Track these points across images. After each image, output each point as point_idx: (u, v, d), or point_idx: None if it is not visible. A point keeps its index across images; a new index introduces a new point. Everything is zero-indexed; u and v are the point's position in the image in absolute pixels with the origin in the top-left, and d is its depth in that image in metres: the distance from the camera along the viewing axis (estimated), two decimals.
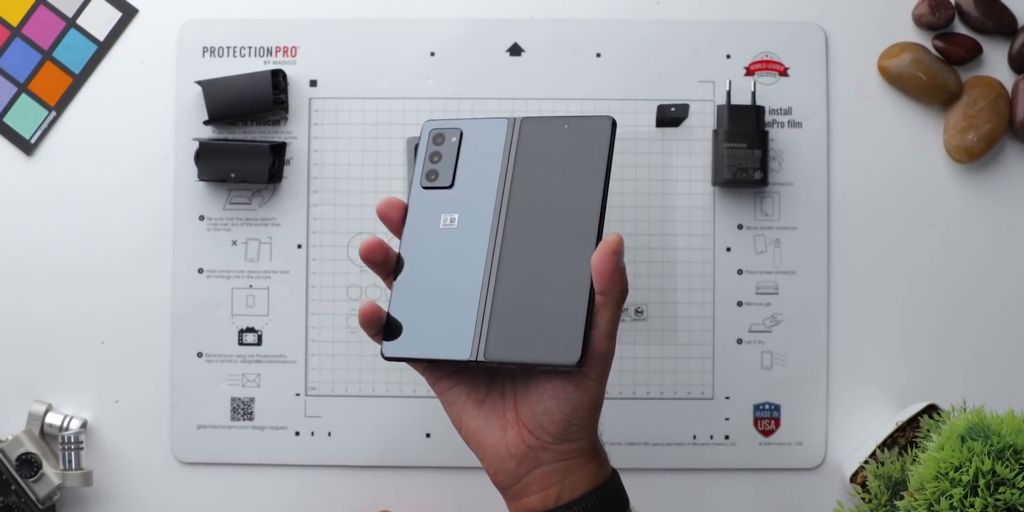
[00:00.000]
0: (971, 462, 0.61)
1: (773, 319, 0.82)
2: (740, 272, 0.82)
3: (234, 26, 0.82)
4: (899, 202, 0.82)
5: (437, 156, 0.65)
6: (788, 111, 0.82)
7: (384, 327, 0.63)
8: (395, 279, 0.63)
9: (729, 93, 0.81)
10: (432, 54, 0.82)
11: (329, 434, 0.81)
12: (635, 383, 0.81)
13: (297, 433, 0.82)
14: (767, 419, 0.82)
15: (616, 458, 0.67)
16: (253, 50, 0.82)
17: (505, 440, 0.63)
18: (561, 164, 0.62)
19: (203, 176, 0.80)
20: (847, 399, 0.82)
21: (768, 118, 0.82)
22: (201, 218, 0.82)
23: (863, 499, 0.73)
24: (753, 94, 0.81)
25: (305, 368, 0.82)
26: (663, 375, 0.81)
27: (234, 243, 0.82)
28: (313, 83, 0.82)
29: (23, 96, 0.83)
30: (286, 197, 0.82)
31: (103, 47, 0.83)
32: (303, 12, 0.83)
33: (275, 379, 0.82)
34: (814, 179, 0.82)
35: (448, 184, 0.64)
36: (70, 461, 0.79)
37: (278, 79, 0.81)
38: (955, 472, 0.61)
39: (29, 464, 0.79)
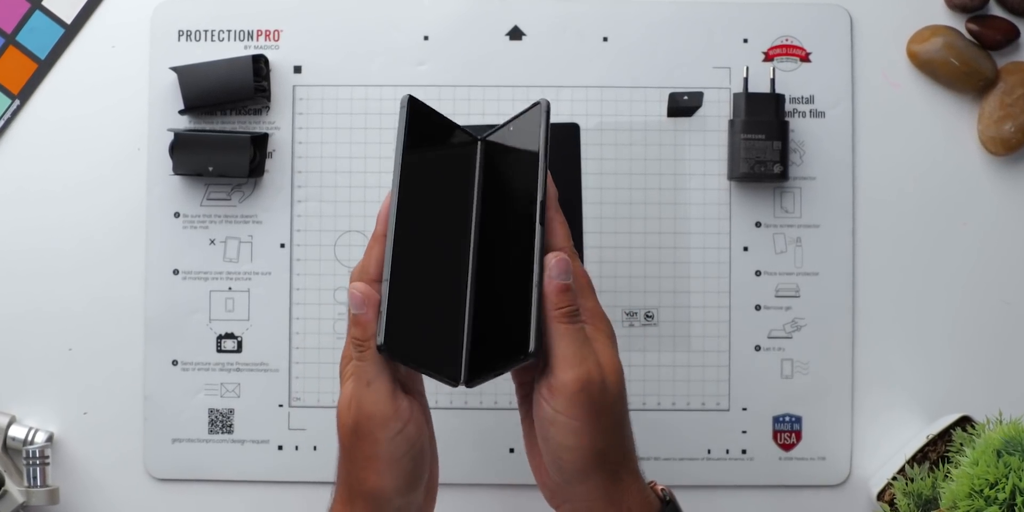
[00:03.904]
0: (1008, 478, 0.61)
1: (794, 324, 0.82)
2: (758, 273, 0.82)
3: (212, 8, 0.82)
4: (930, 198, 0.82)
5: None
6: (810, 100, 0.82)
7: (386, 320, 0.60)
8: (387, 279, 0.63)
9: (746, 80, 0.81)
10: (426, 38, 0.82)
11: (314, 448, 0.81)
12: (645, 393, 0.81)
13: (280, 447, 0.82)
14: (787, 432, 0.81)
15: None
16: (232, 34, 0.82)
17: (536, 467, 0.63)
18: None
19: (178, 170, 0.80)
20: (874, 411, 0.82)
21: (788, 107, 0.82)
22: (176, 215, 0.82)
23: None
24: (772, 81, 0.81)
25: (289, 377, 0.82)
26: (675, 384, 0.81)
27: (212, 242, 0.82)
28: (297, 69, 0.82)
29: None
30: (268, 192, 0.82)
31: (71, 31, 0.83)
32: None
33: (256, 389, 0.82)
34: (838, 173, 0.82)
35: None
36: (35, 477, 0.79)
37: (260, 65, 0.81)
38: (990, 489, 0.61)
39: None
